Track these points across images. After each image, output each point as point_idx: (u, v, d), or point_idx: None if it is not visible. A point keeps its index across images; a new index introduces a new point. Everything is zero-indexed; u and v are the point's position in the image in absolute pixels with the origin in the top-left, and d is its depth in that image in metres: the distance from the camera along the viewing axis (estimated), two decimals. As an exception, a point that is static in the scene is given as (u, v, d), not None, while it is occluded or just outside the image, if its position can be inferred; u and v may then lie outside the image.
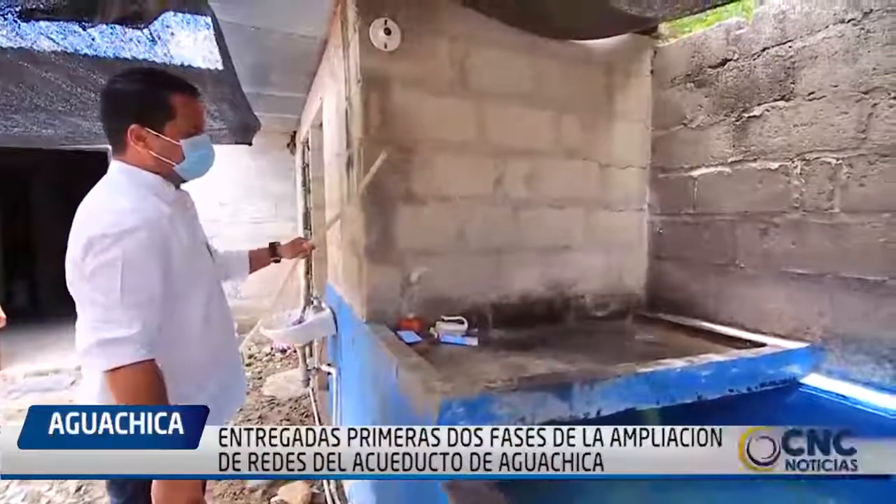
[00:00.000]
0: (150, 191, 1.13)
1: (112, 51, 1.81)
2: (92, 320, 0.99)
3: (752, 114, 1.85)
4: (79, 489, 2.64)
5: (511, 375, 1.30)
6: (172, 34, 1.86)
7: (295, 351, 5.04)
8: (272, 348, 5.21)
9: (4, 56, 1.52)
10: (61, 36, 1.55)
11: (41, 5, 1.31)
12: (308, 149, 3.98)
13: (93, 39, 1.61)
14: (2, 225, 7.01)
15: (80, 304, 1.03)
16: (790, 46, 1.72)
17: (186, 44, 1.98)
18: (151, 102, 1.12)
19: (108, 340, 0.97)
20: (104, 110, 1.15)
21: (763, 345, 1.66)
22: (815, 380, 1.60)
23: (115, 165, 1.14)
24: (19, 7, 1.32)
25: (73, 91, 1.86)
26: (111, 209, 1.03)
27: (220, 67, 2.17)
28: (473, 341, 1.77)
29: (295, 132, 5.43)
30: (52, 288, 7.06)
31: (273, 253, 1.71)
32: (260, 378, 4.40)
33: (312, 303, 2.75)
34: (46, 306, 6.88)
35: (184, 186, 1.27)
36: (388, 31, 1.77)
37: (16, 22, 1.39)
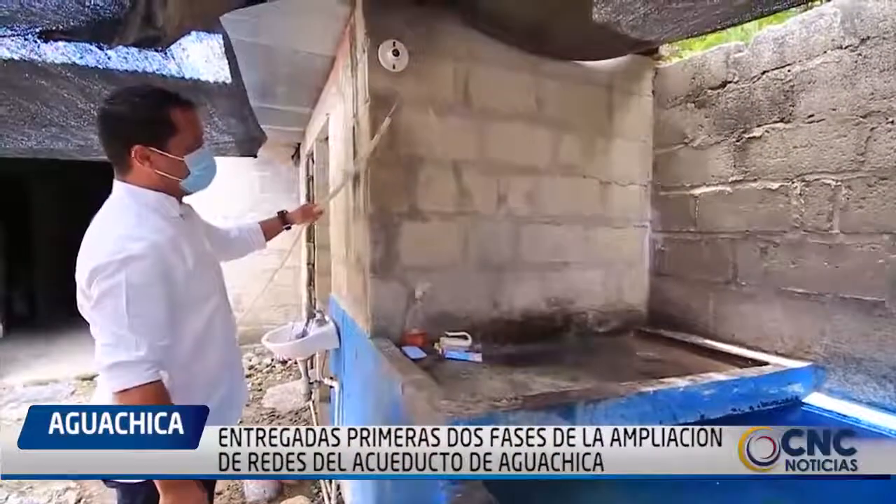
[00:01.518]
0: (156, 211, 1.15)
1: (125, 66, 1.85)
2: (102, 344, 1.02)
3: (752, 135, 1.89)
4: (78, 501, 2.63)
5: (515, 394, 1.31)
6: (184, 50, 1.91)
7: (295, 363, 5.04)
8: (272, 360, 5.21)
9: (22, 74, 1.57)
10: (78, 55, 1.59)
11: (60, 27, 1.35)
12: (313, 162, 4.02)
13: (108, 58, 1.65)
14: (2, 234, 7.03)
15: (92, 327, 1.06)
16: (789, 70, 1.76)
17: (197, 59, 2.03)
18: (152, 120, 1.12)
19: (117, 364, 1.00)
20: (105, 133, 1.15)
21: (765, 363, 1.67)
22: (816, 399, 1.61)
23: (118, 187, 1.16)
24: (39, 28, 1.36)
25: (87, 107, 1.90)
26: (114, 236, 1.05)
27: (230, 82, 2.21)
28: (478, 357, 1.78)
29: (299, 145, 5.48)
30: (51, 297, 7.09)
31: (284, 221, 1.79)
32: (260, 390, 4.40)
33: (315, 316, 2.76)
34: (45, 315, 6.90)
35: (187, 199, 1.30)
36: (396, 53, 1.81)
37: (35, 42, 1.43)
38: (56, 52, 1.61)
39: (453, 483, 1.05)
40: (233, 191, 5.55)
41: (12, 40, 1.42)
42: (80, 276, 1.03)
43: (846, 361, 1.59)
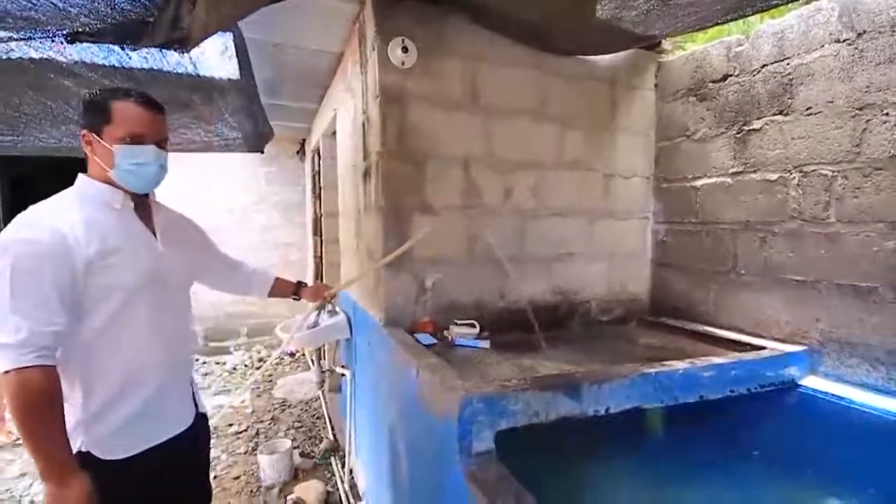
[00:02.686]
0: (92, 200, 1.17)
1: (144, 65, 1.91)
2: None
3: (752, 127, 1.94)
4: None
5: (524, 376, 1.38)
6: (199, 48, 1.97)
7: (303, 354, 5.13)
8: (281, 352, 5.29)
9: (47, 74, 1.63)
10: (101, 55, 1.65)
11: (87, 29, 1.41)
12: (319, 157, 4.08)
13: (129, 58, 1.71)
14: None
15: None
16: (788, 64, 1.81)
17: (213, 57, 2.09)
18: (93, 107, 1.17)
19: (1, 348, 1.00)
20: None
21: (763, 348, 1.74)
22: (812, 381, 1.67)
23: (79, 179, 1.21)
24: (66, 31, 1.42)
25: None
26: (19, 221, 1.08)
27: (241, 79, 2.27)
28: (486, 344, 1.86)
29: (304, 140, 5.54)
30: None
31: (296, 291, 1.81)
32: (271, 381, 4.49)
33: (326, 307, 2.84)
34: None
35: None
36: (405, 50, 1.86)
37: (62, 43, 1.49)
38: (80, 53, 1.68)
39: (469, 457, 1.13)
40: (239, 185, 5.63)
41: (40, 42, 1.49)
42: None
43: (841, 345, 1.65)
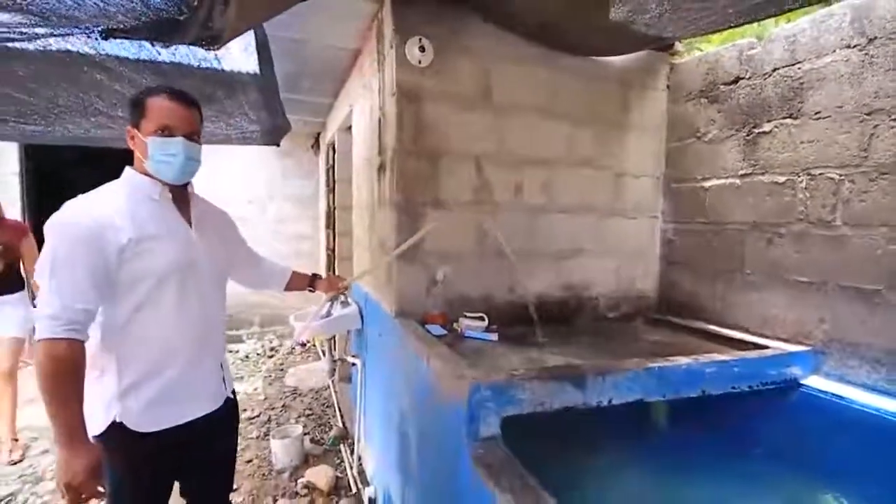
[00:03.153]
0: (135, 191, 1.26)
1: (171, 59, 1.99)
2: (40, 304, 1.13)
3: (761, 130, 1.97)
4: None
5: (531, 366, 1.43)
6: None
7: (314, 345, 5.23)
8: (294, 342, 5.40)
9: (82, 68, 1.71)
10: (132, 50, 1.73)
11: (122, 26, 1.48)
12: (334, 151, 4.15)
13: (158, 53, 1.79)
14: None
15: None
16: (799, 68, 1.83)
17: (236, 53, 2.16)
18: (133, 103, 1.28)
19: (37, 317, 1.11)
20: None
21: (766, 347, 1.77)
22: (815, 381, 1.71)
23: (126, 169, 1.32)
24: (101, 27, 1.50)
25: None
26: (67, 207, 1.18)
27: (263, 74, 2.34)
28: (494, 336, 1.91)
29: (319, 134, 5.62)
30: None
31: (311, 283, 1.89)
32: (282, 370, 4.59)
33: (339, 298, 2.91)
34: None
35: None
36: (422, 49, 1.92)
37: (97, 40, 1.57)
38: (112, 48, 1.76)
39: (476, 441, 1.19)
40: (257, 178, 5.75)
41: (77, 38, 1.56)
42: None
43: (843, 346, 1.69)
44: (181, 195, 1.37)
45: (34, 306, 1.58)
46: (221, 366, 1.47)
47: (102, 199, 1.22)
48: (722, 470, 1.50)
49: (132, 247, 1.19)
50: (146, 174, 1.29)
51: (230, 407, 1.50)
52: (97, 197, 1.23)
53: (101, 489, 1.15)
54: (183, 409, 1.32)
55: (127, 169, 1.31)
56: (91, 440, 1.14)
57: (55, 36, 1.46)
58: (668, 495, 1.41)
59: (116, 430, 1.20)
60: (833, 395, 1.63)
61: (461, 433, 1.19)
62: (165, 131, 1.25)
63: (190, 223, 1.37)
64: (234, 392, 1.53)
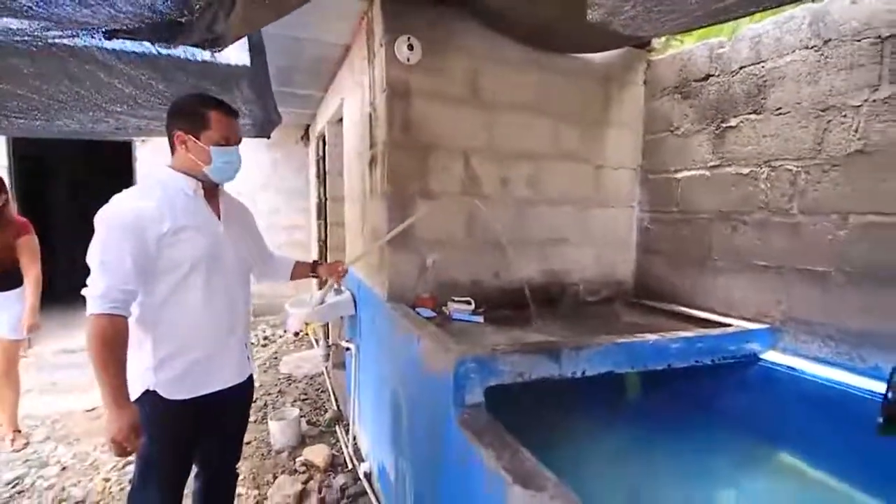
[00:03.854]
0: (172, 186, 1.43)
1: (165, 51, 2.06)
2: (90, 284, 1.29)
3: (729, 124, 2.11)
4: (120, 449, 2.94)
5: (512, 341, 1.57)
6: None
7: (306, 334, 5.34)
8: (285, 331, 5.50)
9: (83, 66, 1.78)
10: (130, 45, 1.80)
11: (124, 27, 1.56)
12: (324, 143, 4.23)
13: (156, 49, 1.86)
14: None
15: None
16: (763, 66, 1.97)
17: (230, 47, 2.23)
18: (193, 113, 1.45)
19: (87, 295, 1.28)
20: (166, 122, 1.47)
21: (729, 325, 1.93)
22: (772, 356, 1.87)
23: (159, 168, 1.49)
24: (105, 28, 1.58)
25: (132, 93, 2.11)
26: (113, 201, 1.34)
27: (256, 69, 2.41)
28: (480, 318, 2.04)
29: (308, 126, 5.68)
30: (68, 274, 7.38)
31: (313, 269, 2.03)
32: (276, 358, 4.70)
33: (333, 286, 3.02)
34: (63, 291, 7.17)
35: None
36: (410, 47, 2.02)
37: (100, 40, 1.65)
38: (111, 44, 1.83)
39: (461, 407, 1.32)
40: (247, 169, 5.76)
41: (81, 38, 1.64)
42: None
43: (798, 324, 1.85)
44: (211, 191, 1.54)
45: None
46: (245, 345, 1.65)
47: (144, 194, 1.39)
48: (685, 434, 1.66)
49: (169, 236, 1.36)
50: (186, 173, 1.46)
51: (249, 383, 1.69)
52: (140, 191, 1.40)
53: (140, 443, 1.33)
54: (207, 382, 1.50)
55: (164, 167, 1.48)
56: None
57: (62, 37, 1.54)
58: (635, 454, 1.57)
59: (150, 397, 1.39)
60: (788, 367, 1.78)
61: (448, 401, 1.32)
62: (227, 142, 1.46)
63: (219, 216, 1.53)
64: (252, 369, 1.71)
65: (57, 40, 1.63)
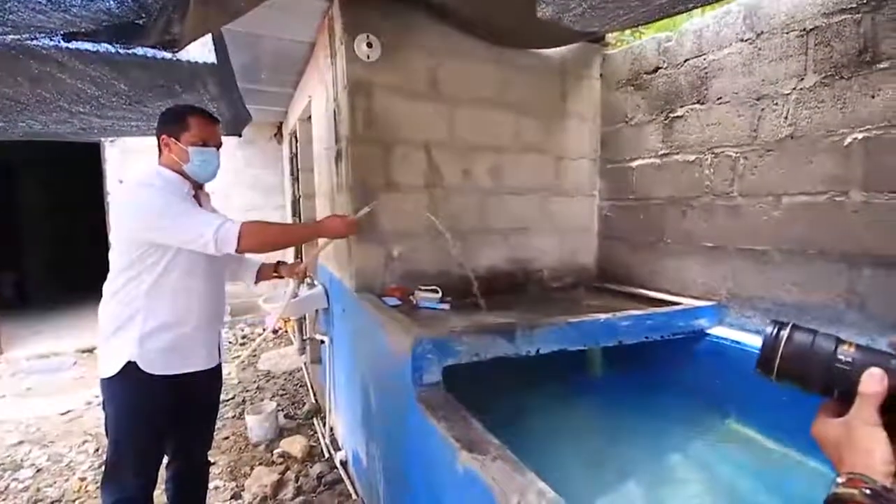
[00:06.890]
0: (172, 184, 1.63)
1: (127, 50, 2.07)
2: (198, 234, 1.51)
3: (676, 114, 2.22)
4: (97, 450, 2.95)
5: (471, 323, 1.65)
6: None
7: (286, 331, 5.36)
8: (264, 329, 5.51)
9: (45, 67, 1.79)
10: (91, 45, 1.82)
11: (82, 30, 1.59)
12: (296, 140, 4.25)
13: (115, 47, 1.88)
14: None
15: (175, 237, 1.56)
16: (704, 59, 2.08)
17: (194, 46, 2.25)
18: (175, 119, 1.66)
19: (216, 231, 1.51)
20: (156, 128, 1.68)
21: (679, 304, 2.05)
22: (719, 331, 1.99)
23: (152, 167, 1.66)
24: (64, 32, 1.60)
25: (95, 93, 2.12)
26: (142, 173, 1.64)
27: (219, 66, 2.44)
28: (446, 306, 2.12)
29: (281, 123, 5.67)
30: (39, 278, 7.24)
31: (276, 270, 2.14)
32: (255, 355, 4.71)
33: (306, 281, 3.07)
34: (34, 296, 7.04)
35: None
36: (369, 45, 2.08)
37: (59, 43, 1.67)
38: (73, 45, 1.85)
39: (420, 386, 1.40)
40: (221, 167, 5.74)
41: (39, 40, 1.66)
42: (139, 220, 1.53)
43: (742, 300, 1.97)
44: (198, 192, 1.75)
45: None
46: (219, 333, 1.82)
47: (154, 179, 1.61)
48: (636, 404, 1.77)
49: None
50: (176, 172, 1.65)
51: (218, 371, 1.86)
52: (149, 177, 1.62)
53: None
54: (186, 361, 1.65)
55: (159, 167, 1.66)
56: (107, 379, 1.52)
57: (20, 41, 1.56)
58: (587, 424, 1.67)
59: (130, 369, 1.52)
60: (733, 341, 1.91)
61: (408, 380, 1.40)
62: (204, 143, 1.66)
63: None
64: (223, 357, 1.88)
65: (16, 43, 1.64)
